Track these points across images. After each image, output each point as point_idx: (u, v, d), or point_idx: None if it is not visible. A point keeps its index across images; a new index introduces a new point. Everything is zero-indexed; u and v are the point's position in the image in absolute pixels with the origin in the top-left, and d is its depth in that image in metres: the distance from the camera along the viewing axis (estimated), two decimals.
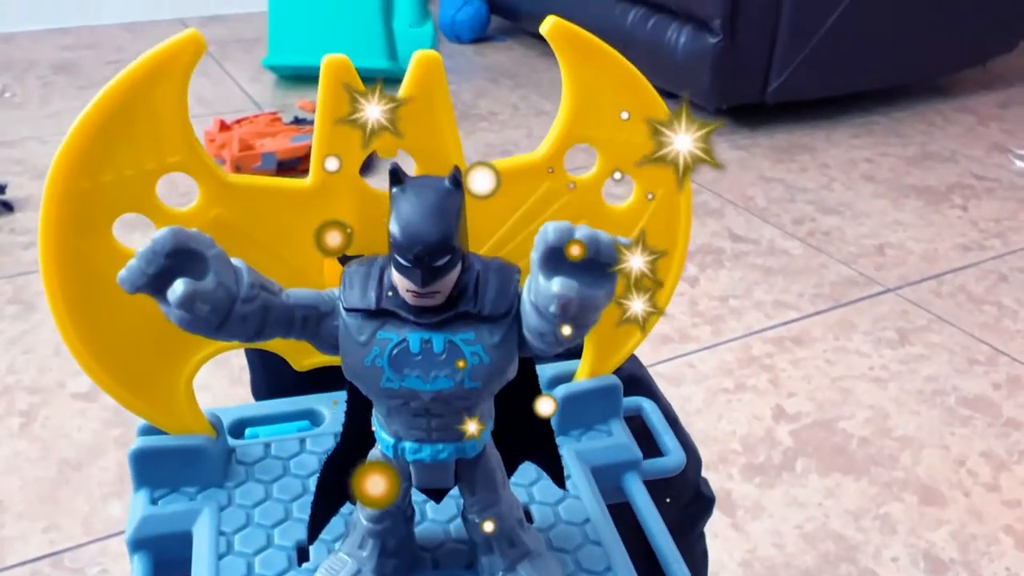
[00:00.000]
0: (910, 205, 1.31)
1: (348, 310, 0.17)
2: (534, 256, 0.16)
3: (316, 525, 0.19)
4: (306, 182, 0.22)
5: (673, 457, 0.23)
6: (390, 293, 0.16)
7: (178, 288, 0.16)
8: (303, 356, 0.21)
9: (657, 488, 0.27)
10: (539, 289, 0.16)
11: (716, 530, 0.75)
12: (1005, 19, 1.64)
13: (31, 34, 1.99)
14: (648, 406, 0.24)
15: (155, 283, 0.17)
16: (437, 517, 0.19)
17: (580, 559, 0.18)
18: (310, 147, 1.25)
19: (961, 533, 0.75)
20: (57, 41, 1.95)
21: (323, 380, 0.21)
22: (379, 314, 0.17)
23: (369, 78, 0.19)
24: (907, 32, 1.51)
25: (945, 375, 0.95)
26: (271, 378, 0.23)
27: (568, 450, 0.20)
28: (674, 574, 0.19)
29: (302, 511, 0.20)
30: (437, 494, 0.18)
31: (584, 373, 0.22)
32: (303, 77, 1.66)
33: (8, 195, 1.25)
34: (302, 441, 0.21)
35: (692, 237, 1.20)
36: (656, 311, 0.16)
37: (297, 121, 1.42)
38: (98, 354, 0.18)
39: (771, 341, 1.00)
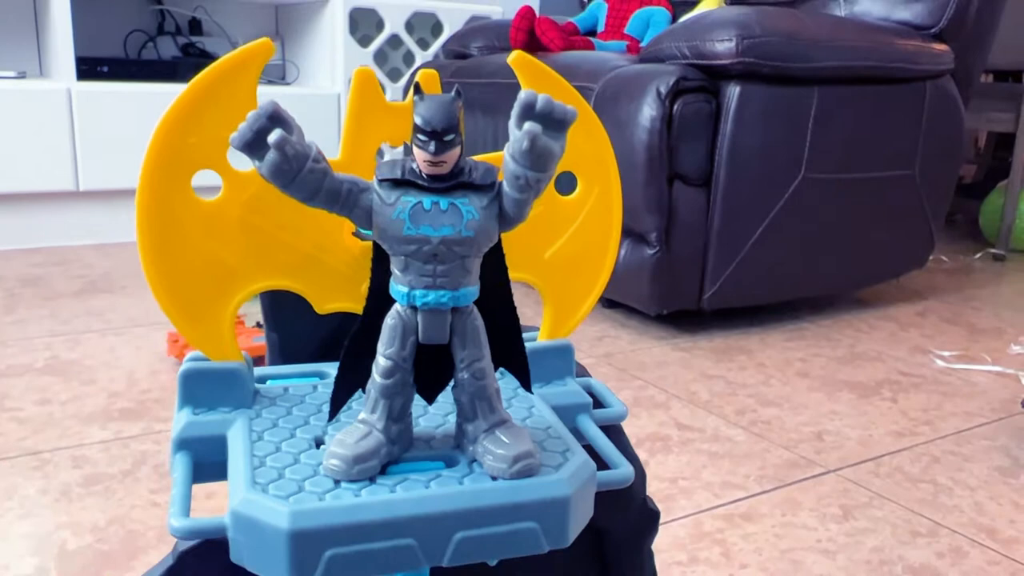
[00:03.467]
0: (844, 397, 1.39)
1: (381, 180, 0.22)
2: (512, 116, 0.23)
3: (337, 404, 0.22)
4: (337, 158, 0.28)
5: (616, 409, 0.26)
6: (411, 168, 0.22)
7: (276, 132, 0.22)
8: (325, 300, 0.25)
9: (608, 501, 0.31)
10: (514, 139, 0.22)
11: None
12: (914, 238, 1.82)
13: (2, 253, 2.07)
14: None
15: (255, 140, 0.22)
16: (427, 424, 0.23)
17: (544, 444, 0.22)
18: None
19: None
20: (26, 259, 2.03)
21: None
22: (402, 184, 0.22)
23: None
24: (824, 249, 1.66)
25: (890, 546, 0.97)
26: (287, 359, 0.27)
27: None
28: (616, 465, 0.22)
29: (319, 420, 0.23)
30: (431, 388, 0.22)
31: (543, 336, 0.26)
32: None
33: None
34: (315, 387, 0.25)
35: (641, 427, 1.25)
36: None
37: (259, 325, 1.48)
38: (168, 288, 0.22)
39: (721, 517, 1.02)
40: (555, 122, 0.22)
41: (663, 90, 1.44)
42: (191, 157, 0.25)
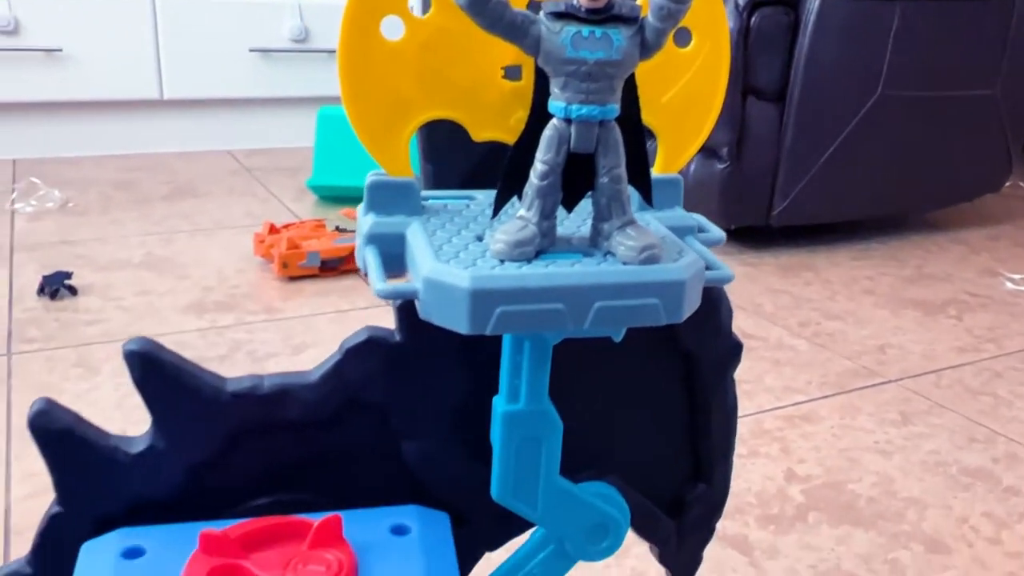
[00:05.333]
0: (909, 315, 1.40)
1: (548, 13, 0.26)
2: None
3: (500, 203, 0.27)
4: None
5: (716, 234, 0.31)
6: (572, 4, 0.26)
7: None
8: (480, 129, 0.29)
9: (699, 328, 0.35)
10: None
11: (734, 566, 0.79)
12: (990, 162, 1.80)
13: (90, 158, 2.17)
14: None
15: None
16: (565, 232, 0.28)
17: (664, 244, 0.26)
18: (351, 248, 1.37)
19: None
20: (115, 165, 2.12)
21: None
22: (565, 16, 0.26)
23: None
24: (900, 168, 1.65)
25: (947, 450, 1.01)
26: (439, 187, 0.32)
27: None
28: (718, 268, 0.27)
29: (477, 225, 0.28)
30: (573, 197, 0.26)
31: (657, 171, 0.30)
32: (340, 197, 1.80)
33: (72, 282, 1.35)
34: (468, 205, 0.30)
35: None
36: None
37: (338, 229, 1.55)
38: (360, 115, 0.27)
39: (781, 418, 1.07)
40: None
41: (741, 1, 1.44)
42: (380, 5, 0.28)
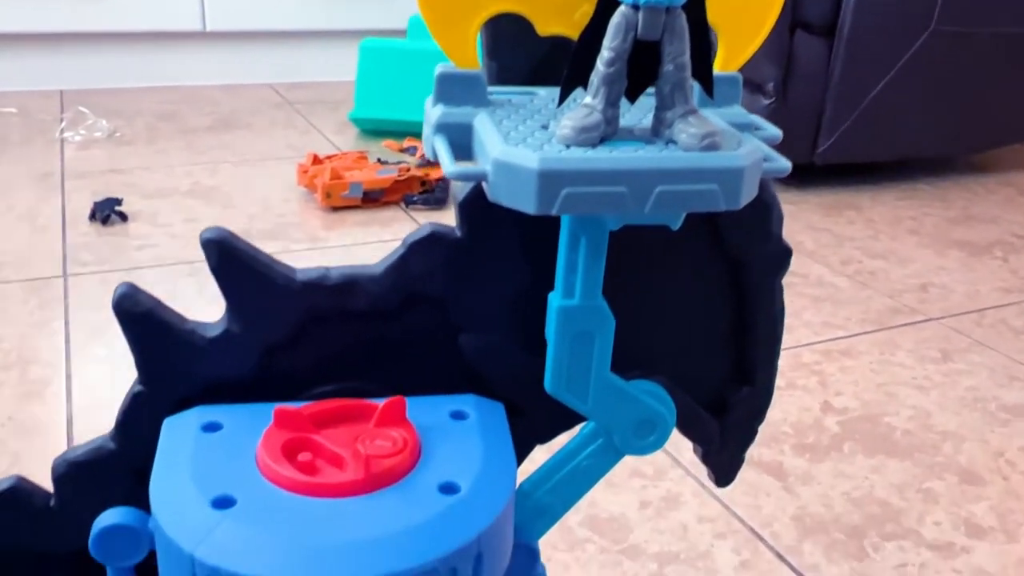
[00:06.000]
0: (953, 255, 1.39)
1: None
2: None
3: (566, 91, 0.28)
4: None
5: (772, 131, 0.31)
6: None
7: None
8: (546, 24, 0.30)
9: (748, 232, 0.36)
10: None
11: (768, 490, 0.81)
12: None
13: (134, 90, 2.19)
14: None
15: None
16: (627, 124, 0.28)
17: (724, 134, 0.27)
18: (394, 180, 1.38)
19: (1000, 507, 0.80)
20: (159, 96, 2.14)
21: None
22: None
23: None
24: (947, 107, 1.62)
25: (986, 387, 1.01)
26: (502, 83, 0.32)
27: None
28: (776, 160, 0.28)
29: (542, 116, 0.29)
30: (636, 88, 0.27)
31: (717, 68, 0.31)
32: (382, 130, 1.81)
33: (122, 209, 1.38)
34: (531, 99, 0.30)
35: None
36: None
37: (380, 161, 1.56)
38: (430, 5, 0.28)
39: (820, 352, 1.07)
40: None
41: None
42: None
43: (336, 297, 0.33)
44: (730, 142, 0.27)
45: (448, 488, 0.29)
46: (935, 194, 1.66)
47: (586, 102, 0.27)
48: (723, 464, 0.40)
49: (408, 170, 1.47)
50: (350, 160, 1.52)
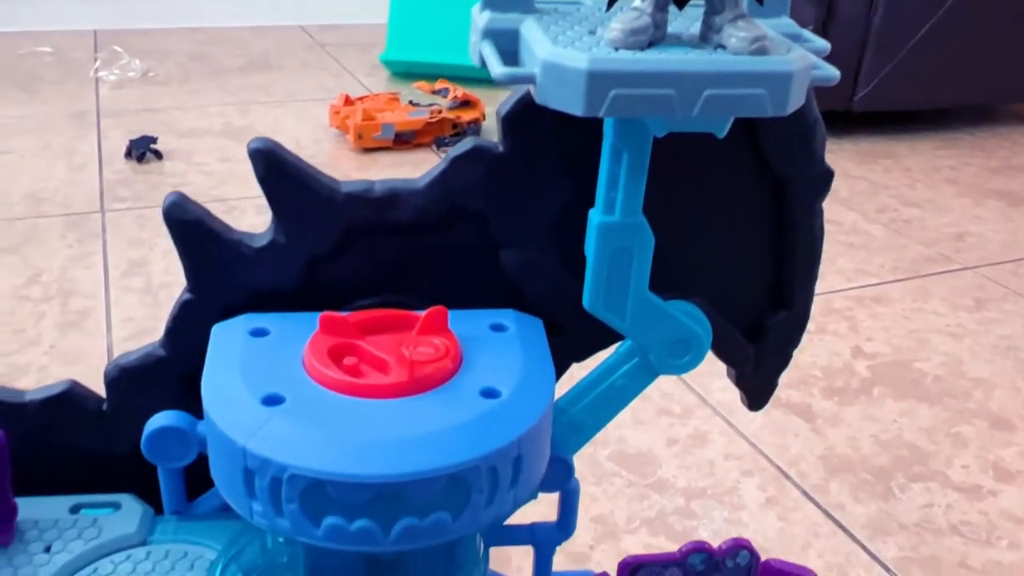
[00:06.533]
0: (992, 204, 1.37)
1: None
2: None
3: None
4: None
5: (819, 43, 0.31)
6: None
7: None
8: None
9: (792, 152, 0.36)
10: None
11: (796, 431, 0.82)
12: None
13: (165, 30, 2.19)
14: None
15: None
16: (673, 31, 0.28)
17: (773, 41, 0.27)
18: (425, 122, 1.37)
19: None
20: (190, 37, 2.14)
21: None
22: None
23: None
24: (990, 55, 1.57)
25: (1019, 335, 1.00)
26: None
27: None
28: (824, 68, 0.27)
29: (588, 23, 0.29)
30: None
31: None
32: (413, 72, 1.80)
33: (157, 147, 1.40)
34: (578, 8, 0.30)
35: None
36: None
37: (412, 103, 1.55)
38: None
39: (852, 298, 1.07)
40: None
41: None
42: None
43: (379, 209, 0.34)
44: (779, 48, 0.27)
45: (489, 393, 0.30)
46: (975, 144, 1.63)
47: (635, 5, 0.27)
48: (756, 388, 0.41)
49: (440, 112, 1.47)
50: (382, 101, 1.52)
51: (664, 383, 0.86)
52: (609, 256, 0.33)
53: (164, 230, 1.17)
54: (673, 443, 0.79)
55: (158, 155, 1.38)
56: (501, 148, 0.34)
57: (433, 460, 0.27)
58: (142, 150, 1.36)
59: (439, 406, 0.29)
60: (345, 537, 0.27)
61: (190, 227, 0.33)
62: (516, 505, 0.30)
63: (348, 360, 0.30)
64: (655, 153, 0.32)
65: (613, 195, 0.33)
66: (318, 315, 0.32)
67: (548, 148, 0.34)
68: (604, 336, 0.38)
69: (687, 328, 0.36)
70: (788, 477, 0.76)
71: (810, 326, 1.07)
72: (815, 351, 0.95)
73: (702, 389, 0.86)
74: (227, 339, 0.32)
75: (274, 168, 0.33)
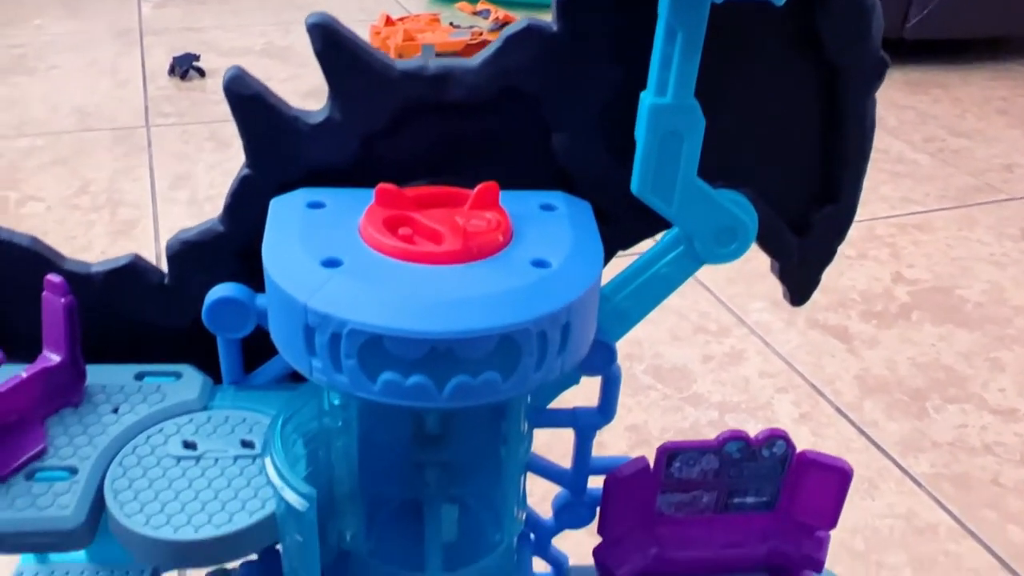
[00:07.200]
0: None
1: None
2: None
3: None
4: None
5: None
6: None
7: None
8: None
9: (848, 37, 0.36)
10: None
11: (833, 351, 0.82)
12: None
13: None
14: None
15: None
16: None
17: None
18: (466, 43, 1.36)
19: None
20: None
21: None
22: None
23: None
24: None
25: None
26: None
27: None
28: None
29: None
30: None
31: None
32: None
33: (200, 64, 1.40)
34: None
35: None
36: None
37: (452, 24, 1.54)
38: None
39: (894, 226, 1.06)
40: None
41: None
42: None
43: (433, 87, 0.34)
44: None
45: (540, 263, 0.30)
46: None
47: None
48: (800, 281, 0.41)
49: (480, 34, 1.45)
50: (423, 22, 1.50)
51: (702, 303, 0.86)
52: (659, 139, 0.34)
53: (208, 145, 1.19)
54: (709, 359, 0.80)
55: (201, 72, 1.38)
56: (555, 28, 0.34)
57: (486, 320, 0.28)
58: (185, 67, 1.37)
59: (491, 273, 0.30)
60: (400, 392, 0.28)
61: (249, 102, 0.34)
62: (562, 374, 0.31)
63: (403, 231, 0.31)
64: (708, 38, 0.32)
65: (666, 75, 0.33)
66: (373, 190, 0.33)
67: (602, 29, 0.34)
68: (650, 223, 0.38)
69: (734, 216, 0.37)
70: (822, 395, 0.77)
71: (850, 251, 1.07)
72: (854, 275, 0.95)
73: (740, 310, 0.86)
74: (285, 210, 0.33)
75: (331, 43, 0.33)
